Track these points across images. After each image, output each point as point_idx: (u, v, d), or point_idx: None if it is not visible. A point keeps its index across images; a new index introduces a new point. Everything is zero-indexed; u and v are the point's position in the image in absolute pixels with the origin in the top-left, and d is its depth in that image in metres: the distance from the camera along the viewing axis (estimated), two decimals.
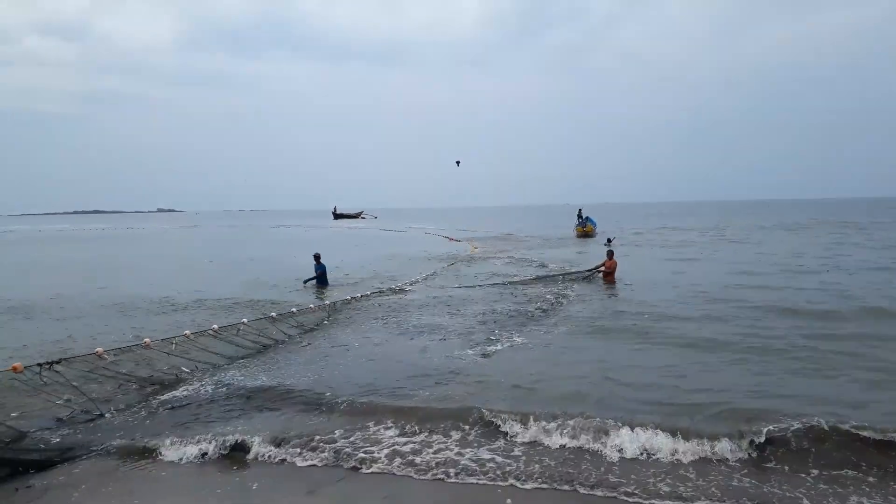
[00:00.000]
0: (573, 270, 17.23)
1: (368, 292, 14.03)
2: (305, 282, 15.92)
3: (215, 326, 9.03)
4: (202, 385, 7.34)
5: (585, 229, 35.40)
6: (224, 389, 7.13)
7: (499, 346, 8.88)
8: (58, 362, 6.82)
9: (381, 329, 10.48)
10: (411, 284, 15.65)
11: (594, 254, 22.63)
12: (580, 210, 40.12)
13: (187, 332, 8.53)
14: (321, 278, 15.92)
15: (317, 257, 16.06)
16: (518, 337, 9.44)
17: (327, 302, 12.58)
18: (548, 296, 13.37)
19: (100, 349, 7.25)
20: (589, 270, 16.41)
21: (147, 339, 7.88)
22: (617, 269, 15.81)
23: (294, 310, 11.12)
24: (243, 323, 9.45)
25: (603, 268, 15.87)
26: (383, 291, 14.45)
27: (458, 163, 33.24)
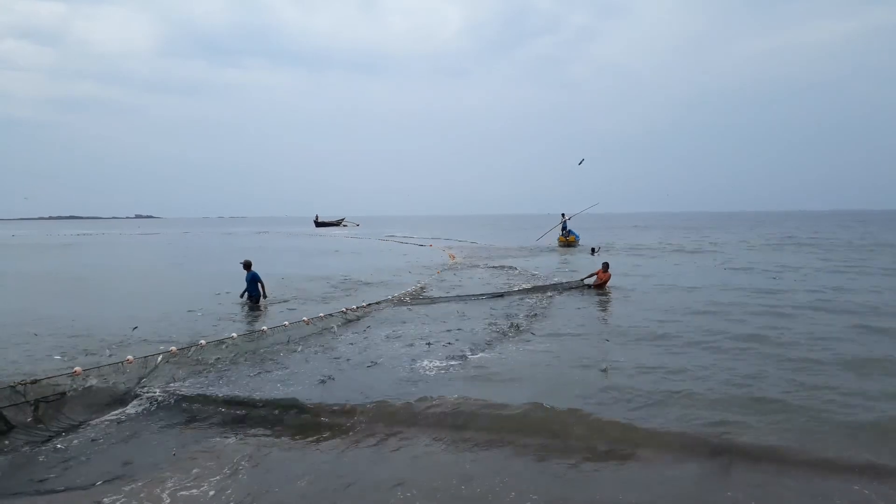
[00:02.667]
0: (564, 281, 16.94)
1: (285, 323, 10.07)
2: (242, 294, 13.91)
3: (202, 341, 8.57)
4: None
5: (568, 239, 34.24)
6: None
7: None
8: (32, 382, 6.37)
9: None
10: (370, 305, 12.89)
11: (578, 264, 22.48)
12: (563, 215, 35.44)
13: (173, 347, 8.08)
14: (251, 290, 13.64)
15: (246, 265, 13.75)
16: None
17: (203, 341, 8.48)
18: (509, 318, 11.66)
19: (78, 368, 6.79)
20: (581, 281, 16.22)
21: (130, 357, 7.42)
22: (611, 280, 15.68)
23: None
24: None
25: (595, 279, 15.72)
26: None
27: (580, 162, 36.21)
